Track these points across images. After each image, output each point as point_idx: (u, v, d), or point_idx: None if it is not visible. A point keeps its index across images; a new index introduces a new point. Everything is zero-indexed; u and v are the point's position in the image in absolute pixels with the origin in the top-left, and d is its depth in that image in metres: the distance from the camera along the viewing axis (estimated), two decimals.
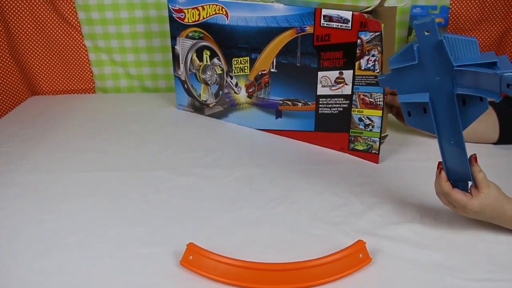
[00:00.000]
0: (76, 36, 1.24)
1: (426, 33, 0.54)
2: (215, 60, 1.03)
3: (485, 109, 0.58)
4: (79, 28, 1.23)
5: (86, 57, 1.27)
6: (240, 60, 0.99)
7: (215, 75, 1.04)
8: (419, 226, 0.68)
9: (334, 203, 0.74)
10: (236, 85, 1.02)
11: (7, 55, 1.25)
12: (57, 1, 1.19)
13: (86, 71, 1.29)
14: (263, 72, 0.96)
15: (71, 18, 1.21)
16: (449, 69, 0.56)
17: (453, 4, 1.17)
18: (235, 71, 1.01)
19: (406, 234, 0.66)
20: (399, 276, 0.58)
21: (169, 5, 1.03)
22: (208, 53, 1.03)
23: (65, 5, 1.20)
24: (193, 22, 1.02)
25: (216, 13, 0.98)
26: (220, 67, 1.02)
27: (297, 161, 0.88)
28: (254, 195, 0.77)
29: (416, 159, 0.88)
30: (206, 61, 1.04)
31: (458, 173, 0.62)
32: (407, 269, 0.59)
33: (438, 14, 1.12)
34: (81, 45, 1.25)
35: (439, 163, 0.64)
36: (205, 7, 0.99)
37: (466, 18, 1.19)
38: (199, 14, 1.00)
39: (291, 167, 0.86)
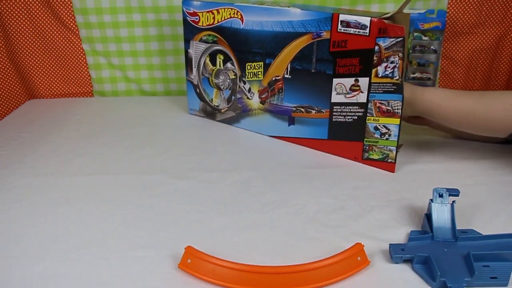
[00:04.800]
0: (74, 40, 1.24)
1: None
2: (229, 65, 1.01)
3: None
4: (77, 32, 1.23)
5: (84, 60, 1.27)
6: (254, 65, 0.97)
7: (228, 80, 1.03)
8: (417, 229, 0.67)
9: (332, 206, 0.74)
10: (249, 90, 1.00)
11: (5, 58, 1.25)
12: (55, 5, 1.19)
13: (84, 74, 1.28)
14: (277, 78, 0.94)
15: (69, 22, 1.21)
16: None
17: (451, 8, 1.17)
18: (249, 76, 0.99)
19: (404, 237, 0.65)
20: (397, 279, 0.58)
21: (184, 8, 1.03)
22: (222, 57, 1.01)
23: (63, 9, 1.20)
24: (208, 25, 1.01)
25: (231, 17, 0.96)
26: (233, 71, 1.01)
27: (295, 165, 0.88)
28: (251, 199, 0.76)
29: (414, 162, 0.87)
30: (219, 66, 1.03)
31: None
32: (405, 272, 0.59)
33: (436, 18, 1.10)
34: (79, 48, 1.25)
35: None
36: (220, 10, 0.97)
37: (463, 22, 1.19)
38: (213, 18, 0.99)
39: (289, 170, 0.85)
